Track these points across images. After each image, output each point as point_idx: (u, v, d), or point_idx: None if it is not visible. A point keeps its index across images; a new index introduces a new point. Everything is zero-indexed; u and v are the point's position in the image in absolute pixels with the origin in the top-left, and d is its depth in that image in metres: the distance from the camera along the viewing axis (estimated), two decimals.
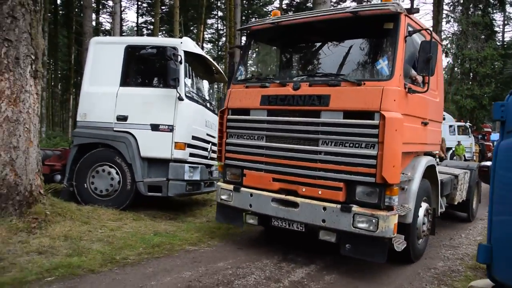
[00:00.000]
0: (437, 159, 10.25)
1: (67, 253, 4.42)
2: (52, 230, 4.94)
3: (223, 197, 5.39)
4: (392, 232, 4.13)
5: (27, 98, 5.15)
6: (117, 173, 6.71)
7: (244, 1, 33.71)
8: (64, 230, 5.02)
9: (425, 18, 42.11)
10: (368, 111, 4.23)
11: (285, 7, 33.48)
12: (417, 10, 4.85)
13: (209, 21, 41.15)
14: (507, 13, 38.27)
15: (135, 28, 40.30)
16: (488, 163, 3.95)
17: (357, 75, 4.63)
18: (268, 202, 4.86)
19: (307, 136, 4.64)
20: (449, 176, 6.67)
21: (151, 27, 34.38)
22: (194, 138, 7.02)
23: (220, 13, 39.83)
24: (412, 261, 4.98)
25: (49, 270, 3.90)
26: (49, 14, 26.82)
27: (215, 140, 6.65)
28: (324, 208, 4.41)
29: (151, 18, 36.28)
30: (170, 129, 6.62)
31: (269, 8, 35.07)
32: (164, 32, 36.19)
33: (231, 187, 5.29)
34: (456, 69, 34.09)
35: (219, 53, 40.21)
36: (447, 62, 33.24)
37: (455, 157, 20.93)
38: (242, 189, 5.16)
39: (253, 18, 32.64)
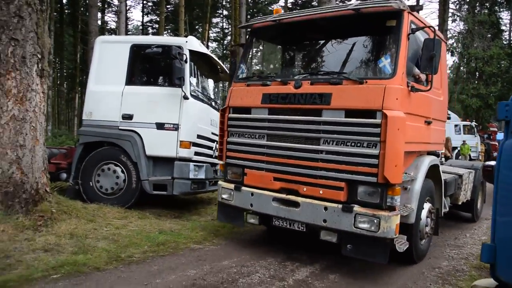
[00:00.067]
0: (443, 159, 10.20)
1: (73, 251, 4.46)
2: (58, 228, 4.99)
3: (224, 196, 5.37)
4: (394, 232, 4.08)
5: (34, 96, 5.20)
6: (122, 171, 6.75)
7: (249, 0, 33.70)
8: (70, 228, 5.06)
9: (431, 17, 41.88)
10: (370, 110, 4.19)
11: (290, 6, 33.42)
12: (421, 8, 4.79)
13: (214, 20, 41.19)
14: None
15: (141, 27, 40.51)
16: (492, 163, 3.94)
17: (359, 73, 4.57)
18: (269, 201, 4.83)
19: (309, 135, 4.61)
20: (453, 175, 6.61)
21: (156, 26, 34.65)
22: (199, 137, 7.05)
23: (225, 12, 39.86)
24: (414, 262, 4.94)
25: (55, 268, 3.93)
26: (55, 13, 27.00)
27: None
28: (325, 208, 4.38)
29: (156, 17, 36.46)
30: (175, 127, 6.65)
31: (274, 6, 34.98)
32: (169, 31, 36.36)
33: (232, 186, 5.26)
34: (462, 68, 33.80)
35: (224, 52, 40.22)
36: (453, 61, 33.01)
37: (460, 157, 20.83)
38: (243, 188, 5.12)
39: (258, 17, 32.55)
